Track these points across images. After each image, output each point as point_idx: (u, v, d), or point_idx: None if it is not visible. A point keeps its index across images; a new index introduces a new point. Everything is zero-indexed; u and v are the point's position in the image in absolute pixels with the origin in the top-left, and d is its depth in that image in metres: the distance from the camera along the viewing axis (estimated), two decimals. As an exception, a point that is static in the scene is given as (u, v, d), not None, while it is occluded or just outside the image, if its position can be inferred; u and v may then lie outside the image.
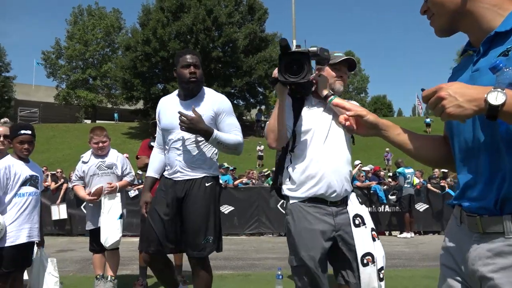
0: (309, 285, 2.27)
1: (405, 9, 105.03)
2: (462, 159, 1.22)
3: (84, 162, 4.33)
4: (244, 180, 10.96)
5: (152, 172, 3.10)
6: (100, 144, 4.29)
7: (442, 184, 10.76)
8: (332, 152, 2.29)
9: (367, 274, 2.25)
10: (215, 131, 2.75)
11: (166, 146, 2.96)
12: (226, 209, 10.10)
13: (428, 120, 31.51)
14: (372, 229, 2.35)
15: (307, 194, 2.28)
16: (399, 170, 10.74)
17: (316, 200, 2.28)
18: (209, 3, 29.02)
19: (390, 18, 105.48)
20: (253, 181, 11.45)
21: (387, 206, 10.68)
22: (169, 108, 2.95)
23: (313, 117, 2.34)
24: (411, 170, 10.64)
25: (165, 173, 2.98)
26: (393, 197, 10.56)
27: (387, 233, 10.69)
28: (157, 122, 3.07)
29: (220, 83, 29.23)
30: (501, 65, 1.00)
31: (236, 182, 10.67)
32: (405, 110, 64.31)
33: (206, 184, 2.88)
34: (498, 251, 1.08)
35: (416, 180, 10.81)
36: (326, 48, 2.18)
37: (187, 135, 2.84)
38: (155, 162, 3.11)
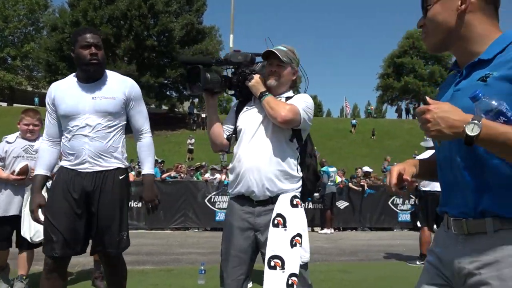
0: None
1: (338, 14, 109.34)
2: (443, 168, 1.37)
3: (8, 142, 4.01)
4: (172, 173, 10.82)
5: (42, 169, 2.73)
6: (31, 127, 4.00)
7: (362, 183, 11.40)
8: (254, 151, 2.26)
9: (271, 278, 2.14)
10: (148, 171, 2.84)
11: (67, 135, 2.68)
12: (152, 202, 9.92)
13: (354, 121, 33.29)
14: (297, 235, 2.21)
15: (234, 192, 2.34)
16: (323, 168, 11.20)
17: (244, 198, 2.32)
18: (146, -11, 28.14)
19: (324, 20, 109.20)
20: (182, 175, 11.34)
21: (310, 203, 11.11)
22: (69, 92, 2.69)
23: (246, 118, 2.38)
24: (334, 169, 11.17)
25: (65, 164, 2.69)
26: (317, 194, 11.00)
27: (309, 229, 11.12)
28: (50, 110, 2.76)
29: (153, 72, 28.47)
30: (480, 95, 1.13)
31: (163, 176, 10.50)
32: (334, 111, 67.45)
33: (120, 177, 2.71)
34: (482, 249, 1.23)
35: (338, 179, 11.36)
36: (237, 50, 2.34)
37: (96, 119, 2.64)
38: (45, 157, 2.75)
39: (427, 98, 1.20)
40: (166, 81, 30.75)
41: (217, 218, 10.18)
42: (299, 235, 2.23)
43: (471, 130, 1.09)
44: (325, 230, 10.65)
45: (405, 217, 11.15)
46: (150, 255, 6.72)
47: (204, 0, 32.13)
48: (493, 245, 1.21)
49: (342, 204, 11.18)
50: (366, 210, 11.13)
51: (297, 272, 2.16)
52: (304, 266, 2.27)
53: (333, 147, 26.54)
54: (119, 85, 2.75)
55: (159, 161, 11.66)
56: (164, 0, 28.66)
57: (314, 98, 57.31)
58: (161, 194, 9.77)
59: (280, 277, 2.13)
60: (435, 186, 6.10)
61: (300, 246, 2.22)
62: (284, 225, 2.21)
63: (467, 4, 1.28)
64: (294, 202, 2.27)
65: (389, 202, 11.22)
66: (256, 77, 2.33)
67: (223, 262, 2.35)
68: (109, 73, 2.80)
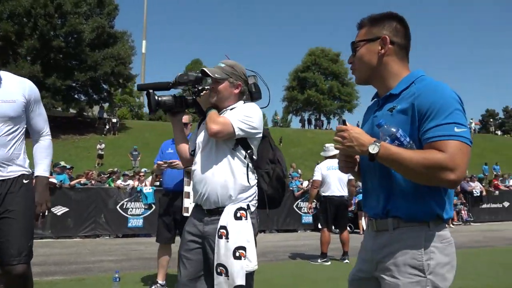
0: None
1: (250, 26, 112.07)
2: (364, 175, 1.73)
3: None
4: (83, 180, 10.48)
5: None
6: None
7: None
8: (202, 163, 2.37)
9: (220, 283, 2.24)
10: (43, 173, 2.69)
11: None
12: (59, 210, 9.48)
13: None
14: (239, 247, 2.24)
15: (194, 202, 2.49)
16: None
17: (198, 207, 2.44)
18: (53, -13, 26.53)
19: (236, 29, 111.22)
20: (92, 181, 11.04)
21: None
22: None
23: (200, 132, 2.50)
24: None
25: None
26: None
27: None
28: None
29: (60, 74, 26.86)
30: (383, 123, 1.51)
31: (73, 182, 10.13)
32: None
33: (24, 181, 2.59)
34: (385, 243, 1.58)
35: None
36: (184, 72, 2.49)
37: None
38: None
39: (346, 121, 1.58)
40: (74, 84, 29.15)
41: (129, 225, 10.08)
42: (243, 247, 2.24)
43: (373, 149, 1.45)
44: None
45: (308, 219, 11.93)
46: (58, 265, 6.47)
47: (116, 4, 31.08)
48: (393, 239, 1.56)
49: (252, 209, 11.67)
50: (273, 213, 11.73)
51: (243, 283, 2.21)
52: (250, 275, 2.29)
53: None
54: (17, 87, 2.57)
55: (68, 167, 11.22)
56: (73, 0, 27.25)
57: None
58: (70, 201, 9.63)
59: (226, 283, 2.23)
60: (333, 192, 6.79)
61: (245, 259, 2.24)
62: (227, 237, 2.25)
63: (386, 49, 1.64)
64: (238, 215, 2.29)
65: (294, 206, 11.94)
66: (204, 94, 2.47)
67: (178, 262, 2.50)
68: (3, 74, 2.58)
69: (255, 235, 2.36)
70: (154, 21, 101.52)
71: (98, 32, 28.39)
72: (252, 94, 2.53)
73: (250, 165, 2.39)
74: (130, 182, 10.51)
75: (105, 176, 11.66)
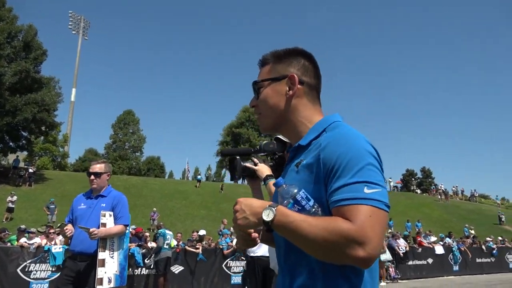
0: None
1: (186, 83, 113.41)
2: (276, 248, 1.39)
3: None
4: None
5: None
6: None
7: (197, 246, 11.33)
8: None
9: None
10: None
11: None
12: None
13: (199, 177, 35.31)
14: None
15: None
16: (160, 231, 10.91)
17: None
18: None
19: (171, 86, 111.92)
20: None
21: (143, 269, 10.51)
22: None
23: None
24: (170, 232, 10.91)
25: None
26: (148, 260, 10.49)
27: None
28: None
29: (-29, 119, 24.64)
30: (281, 182, 1.20)
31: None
32: (176, 173, 67.90)
33: None
34: None
35: (174, 242, 11.09)
36: (269, 141, 2.49)
37: None
38: None
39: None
40: (-13, 130, 26.86)
41: (32, 291, 8.77)
42: None
43: (267, 216, 1.12)
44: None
45: (238, 279, 11.30)
46: None
47: (44, 49, 29.64)
48: None
49: (177, 269, 10.85)
50: (200, 273, 10.98)
51: None
52: None
53: (173, 208, 26.39)
54: None
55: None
56: (-5, 42, 25.66)
57: (157, 159, 57.01)
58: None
59: None
60: (264, 252, 6.21)
61: None
62: None
63: (294, 90, 1.35)
64: None
65: (223, 265, 11.31)
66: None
67: None
68: None
69: None
70: (87, 68, 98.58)
71: (22, 76, 26.75)
72: None
73: None
74: (36, 240, 9.30)
75: (7, 233, 10.20)
